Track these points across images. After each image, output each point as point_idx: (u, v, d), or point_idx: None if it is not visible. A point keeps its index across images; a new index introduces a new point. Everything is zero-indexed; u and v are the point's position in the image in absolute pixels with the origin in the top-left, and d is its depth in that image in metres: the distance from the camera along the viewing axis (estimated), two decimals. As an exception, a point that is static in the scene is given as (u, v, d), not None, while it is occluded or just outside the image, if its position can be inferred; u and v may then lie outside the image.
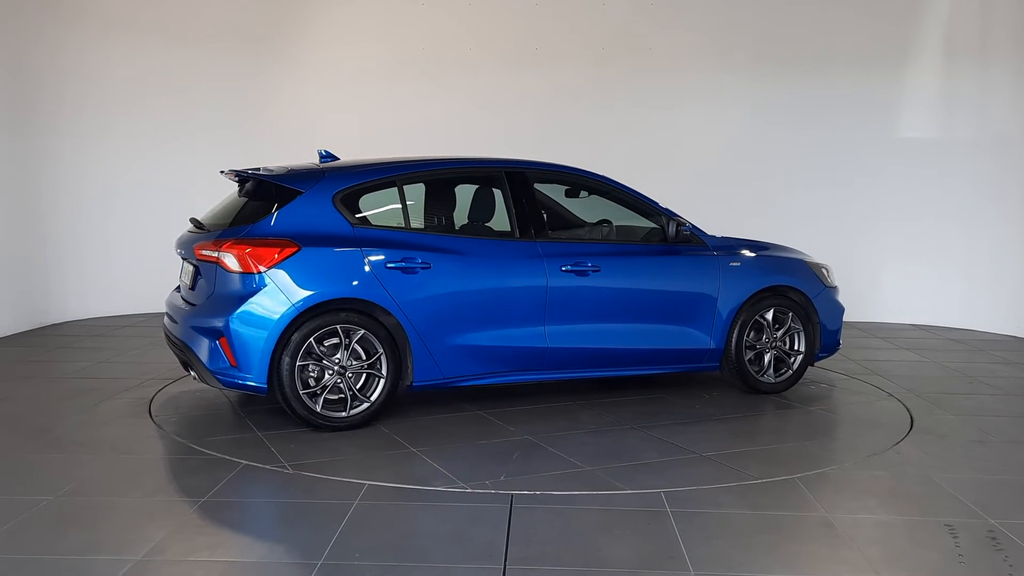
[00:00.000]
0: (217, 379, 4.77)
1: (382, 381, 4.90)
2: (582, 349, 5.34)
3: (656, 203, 5.70)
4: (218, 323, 4.70)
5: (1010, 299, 8.43)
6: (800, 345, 5.83)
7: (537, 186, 5.59)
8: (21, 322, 8.01)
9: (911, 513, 3.79)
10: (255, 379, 4.67)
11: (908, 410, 5.49)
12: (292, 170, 5.16)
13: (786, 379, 5.84)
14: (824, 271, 6.04)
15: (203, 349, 4.77)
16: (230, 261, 4.72)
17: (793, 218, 8.80)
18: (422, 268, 4.93)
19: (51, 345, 7.37)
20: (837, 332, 6.05)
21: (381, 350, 4.86)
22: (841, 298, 6.16)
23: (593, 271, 5.28)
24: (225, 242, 4.78)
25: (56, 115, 8.38)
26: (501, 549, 3.34)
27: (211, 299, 4.86)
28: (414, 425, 5.04)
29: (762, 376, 5.76)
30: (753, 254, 5.84)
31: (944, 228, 8.75)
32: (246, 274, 4.69)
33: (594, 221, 5.79)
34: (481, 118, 8.95)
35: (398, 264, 4.89)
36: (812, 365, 6.08)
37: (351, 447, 4.62)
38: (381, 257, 4.86)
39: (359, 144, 8.16)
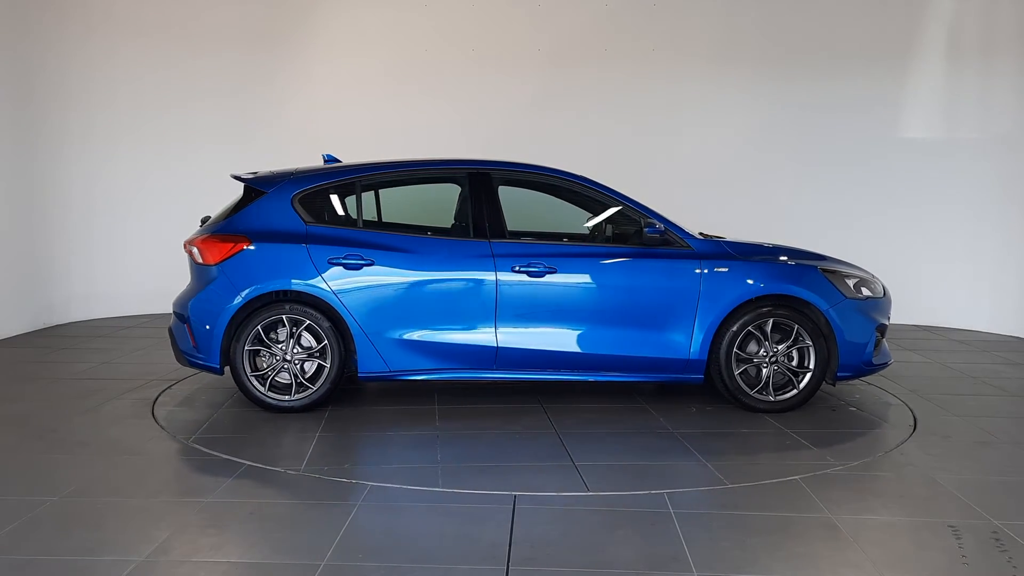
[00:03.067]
0: (186, 359, 5.34)
1: (326, 370, 5.22)
2: (537, 351, 5.25)
3: (636, 203, 5.40)
4: (185, 309, 5.31)
5: (1014, 300, 8.41)
6: (810, 362, 5.31)
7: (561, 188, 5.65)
8: (27, 323, 8.04)
9: (915, 514, 3.78)
10: (210, 361, 5.20)
11: (912, 411, 5.48)
12: (273, 173, 5.52)
13: (789, 399, 5.29)
14: (848, 280, 5.37)
15: (177, 331, 5.43)
16: (196, 254, 5.30)
17: (796, 219, 8.80)
18: (365, 264, 5.15)
19: (56, 346, 7.39)
20: (864, 348, 5.34)
21: (325, 340, 5.19)
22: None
23: (548, 272, 5.21)
24: (197, 237, 5.32)
25: (65, 119, 8.42)
26: (504, 550, 3.34)
27: (187, 287, 5.47)
28: (356, 413, 5.33)
29: (758, 393, 5.29)
30: (749, 259, 5.32)
31: (948, 229, 8.74)
32: (206, 266, 5.23)
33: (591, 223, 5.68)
34: (484, 119, 8.95)
35: (341, 260, 5.16)
36: (833, 385, 5.57)
37: (273, 427, 5.00)
38: (325, 253, 5.17)
39: (365, 146, 8.16)
